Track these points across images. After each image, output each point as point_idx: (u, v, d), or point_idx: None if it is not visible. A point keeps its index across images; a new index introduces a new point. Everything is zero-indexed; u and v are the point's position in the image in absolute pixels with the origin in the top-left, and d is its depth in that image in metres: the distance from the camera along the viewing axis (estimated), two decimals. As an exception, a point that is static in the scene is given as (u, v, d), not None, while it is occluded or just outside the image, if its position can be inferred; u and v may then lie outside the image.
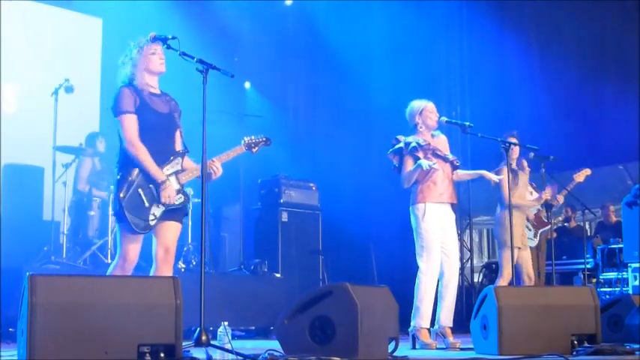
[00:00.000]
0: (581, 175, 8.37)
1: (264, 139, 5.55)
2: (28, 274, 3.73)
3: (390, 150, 6.87)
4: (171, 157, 5.15)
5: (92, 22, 10.60)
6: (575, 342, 5.34)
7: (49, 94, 8.49)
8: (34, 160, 8.97)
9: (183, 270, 8.52)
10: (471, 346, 5.80)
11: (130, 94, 5.05)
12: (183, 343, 4.01)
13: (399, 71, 10.96)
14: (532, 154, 7.92)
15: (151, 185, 5.00)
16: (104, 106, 10.31)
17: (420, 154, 6.69)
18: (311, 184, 10.55)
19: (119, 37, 10.44)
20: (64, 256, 8.15)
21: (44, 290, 3.68)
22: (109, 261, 8.10)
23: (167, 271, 5.05)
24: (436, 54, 12.24)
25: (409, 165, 6.73)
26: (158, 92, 5.22)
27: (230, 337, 5.03)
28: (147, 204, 4.97)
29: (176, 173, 5.15)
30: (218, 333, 4.81)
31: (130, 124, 5.00)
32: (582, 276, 10.98)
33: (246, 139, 5.47)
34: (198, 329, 4.28)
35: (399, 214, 7.01)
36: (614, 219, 12.03)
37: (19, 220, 8.33)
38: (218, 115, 9.03)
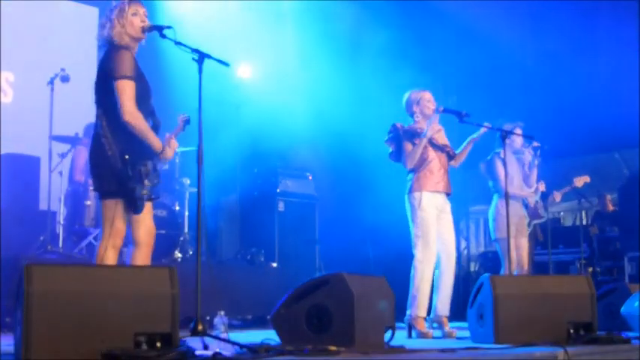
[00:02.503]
0: (580, 181, 8.44)
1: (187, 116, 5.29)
2: (24, 264, 3.73)
3: (387, 137, 6.89)
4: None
5: (88, 11, 10.55)
6: (572, 330, 5.35)
7: (45, 84, 8.47)
8: (30, 149, 8.94)
9: (179, 259, 8.53)
10: (468, 335, 5.81)
11: (131, 58, 4.84)
12: (180, 333, 4.01)
13: (396, 60, 10.95)
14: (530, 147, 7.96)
15: (148, 161, 4.85)
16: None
17: (418, 142, 6.71)
18: (307, 174, 10.56)
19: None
20: (61, 245, 8.15)
21: (40, 280, 3.67)
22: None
23: (149, 254, 4.98)
24: (433, 42, 12.23)
25: (408, 149, 6.74)
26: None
27: (226, 327, 5.04)
28: (147, 183, 4.84)
29: None
30: (214, 322, 4.82)
31: (132, 90, 4.77)
32: (578, 265, 11.00)
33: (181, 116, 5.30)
34: (195, 319, 4.29)
35: (395, 203, 7.01)
36: (610, 208, 12.05)
37: (16, 209, 8.31)
38: (214, 105, 9.00)
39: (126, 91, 4.76)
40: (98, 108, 4.91)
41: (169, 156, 5.15)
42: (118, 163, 4.76)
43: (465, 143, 7.04)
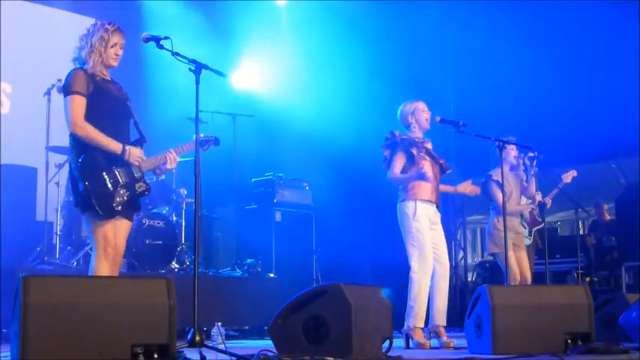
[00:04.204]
0: (568, 176, 8.42)
1: (213, 138, 5.44)
2: (21, 275, 3.72)
3: (384, 143, 6.89)
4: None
5: (85, 22, 10.54)
6: (569, 341, 5.34)
7: (42, 95, 8.47)
8: (27, 160, 8.94)
9: (177, 270, 8.52)
10: (465, 345, 5.80)
11: (84, 77, 4.91)
12: (177, 344, 4.00)
13: (392, 69, 10.96)
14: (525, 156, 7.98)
15: (114, 168, 4.89)
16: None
17: (414, 151, 6.70)
18: (304, 184, 10.54)
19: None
20: (58, 256, 8.13)
21: (37, 291, 3.67)
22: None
23: (114, 271, 4.89)
24: (429, 52, 12.26)
25: (399, 160, 6.74)
26: (109, 79, 5.09)
27: (224, 337, 5.02)
28: (111, 188, 4.84)
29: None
30: (212, 333, 4.81)
31: (78, 105, 4.83)
32: (576, 275, 11.00)
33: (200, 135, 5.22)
34: (192, 329, 4.28)
35: (392, 213, 7.00)
36: (607, 217, 12.05)
37: (13, 220, 8.30)
38: (209, 115, 8.99)
39: (72, 105, 4.85)
40: None
41: (168, 168, 5.16)
42: (76, 177, 4.86)
43: (450, 187, 7.13)
